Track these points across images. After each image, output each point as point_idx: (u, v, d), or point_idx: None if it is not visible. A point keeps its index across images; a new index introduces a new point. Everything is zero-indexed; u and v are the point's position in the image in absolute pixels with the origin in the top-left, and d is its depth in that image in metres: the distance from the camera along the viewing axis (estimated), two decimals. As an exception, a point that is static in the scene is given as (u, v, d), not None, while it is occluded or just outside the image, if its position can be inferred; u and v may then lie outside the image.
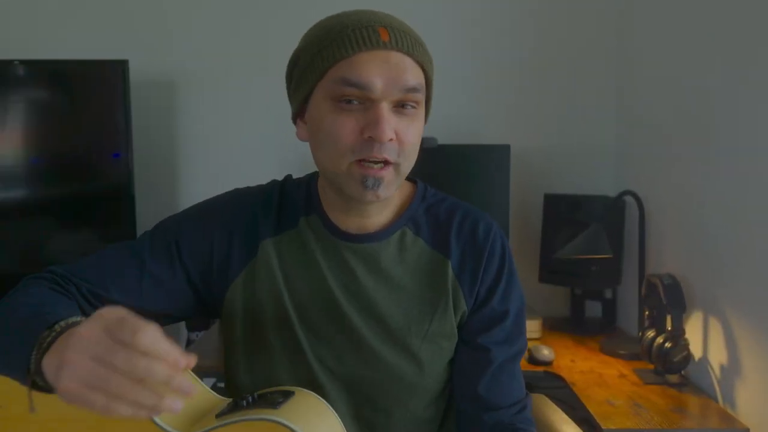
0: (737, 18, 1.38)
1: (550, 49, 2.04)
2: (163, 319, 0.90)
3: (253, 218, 0.90)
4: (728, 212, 1.41)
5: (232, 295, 0.88)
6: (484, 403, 0.89)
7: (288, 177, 0.97)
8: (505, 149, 1.88)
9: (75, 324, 0.66)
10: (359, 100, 0.78)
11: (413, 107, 0.80)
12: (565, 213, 1.89)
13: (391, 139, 0.78)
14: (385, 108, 0.77)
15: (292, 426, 0.69)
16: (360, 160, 0.78)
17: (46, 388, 0.65)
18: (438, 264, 0.89)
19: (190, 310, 0.91)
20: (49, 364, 0.62)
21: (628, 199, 1.81)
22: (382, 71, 0.77)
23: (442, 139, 1.84)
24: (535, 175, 2.05)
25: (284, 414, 0.71)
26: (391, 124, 0.77)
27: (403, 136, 0.79)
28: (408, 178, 0.96)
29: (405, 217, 0.91)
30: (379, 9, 0.84)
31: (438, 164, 1.84)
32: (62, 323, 0.67)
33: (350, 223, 0.89)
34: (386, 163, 0.79)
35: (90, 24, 2.01)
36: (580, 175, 2.05)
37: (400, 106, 0.79)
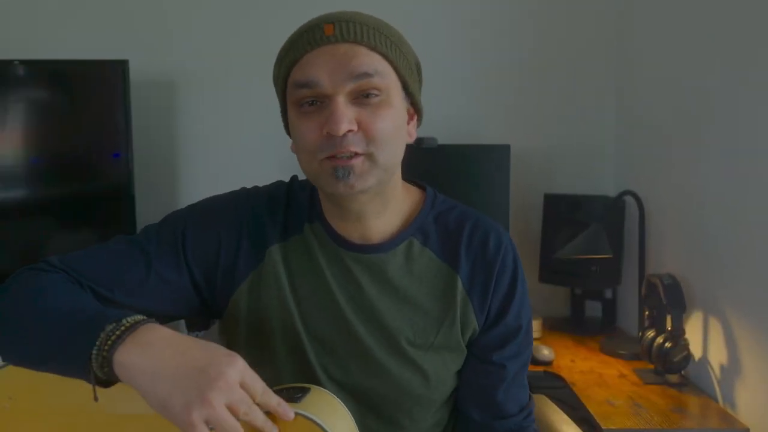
0: (737, 19, 1.38)
1: (549, 50, 2.04)
2: (164, 318, 0.89)
3: (260, 221, 0.88)
4: (728, 212, 1.41)
5: (236, 299, 0.87)
6: (496, 413, 0.89)
7: (294, 178, 0.95)
8: (505, 149, 1.87)
9: (142, 322, 0.70)
10: (317, 100, 0.77)
11: (377, 95, 0.78)
12: (565, 213, 1.89)
13: (351, 131, 0.76)
14: (341, 101, 0.76)
15: (316, 419, 0.70)
16: (329, 157, 0.77)
17: (103, 381, 0.68)
18: (447, 277, 0.88)
19: (192, 311, 0.90)
20: (125, 360, 0.66)
21: (628, 199, 1.81)
22: (327, 65, 0.76)
23: (442, 139, 1.84)
24: (535, 175, 2.04)
25: (305, 407, 0.72)
26: (347, 115, 0.76)
27: (369, 125, 0.77)
28: (417, 184, 0.94)
29: (413, 227, 0.88)
30: (377, 10, 0.83)
31: (438, 164, 1.84)
32: (129, 319, 0.69)
33: (352, 231, 0.87)
34: (355, 154, 0.77)
35: (90, 24, 2.00)
36: (580, 175, 2.05)
37: (363, 96, 0.77)
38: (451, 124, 1.98)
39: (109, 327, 0.68)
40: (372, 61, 0.78)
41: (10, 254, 1.85)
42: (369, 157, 0.78)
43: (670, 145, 1.68)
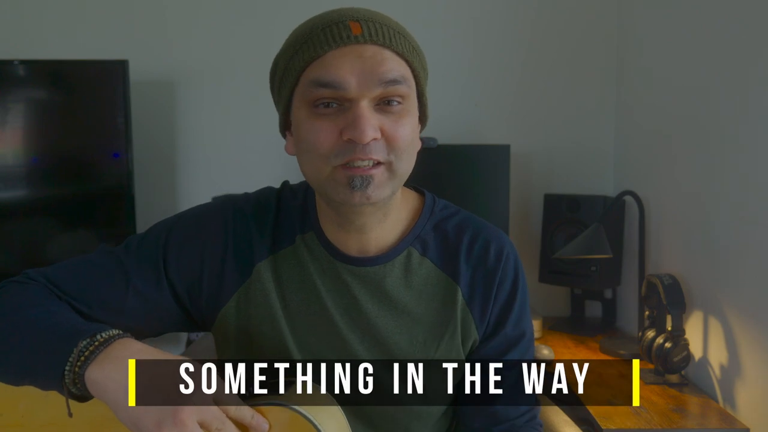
0: (737, 18, 1.38)
1: (549, 50, 2.04)
2: (150, 333, 0.86)
3: (247, 234, 0.84)
4: (728, 212, 1.40)
5: (224, 316, 0.84)
6: (498, 419, 0.86)
7: (285, 184, 0.90)
8: (505, 149, 1.88)
9: (116, 336, 0.69)
10: (336, 102, 0.72)
11: (399, 102, 0.74)
12: (565, 213, 1.89)
13: (375, 139, 0.72)
14: (365, 107, 0.71)
15: (300, 410, 0.70)
16: (344, 165, 0.72)
17: (78, 395, 0.68)
18: (447, 289, 0.84)
19: (177, 326, 0.87)
20: (97, 377, 0.66)
21: (628, 199, 1.81)
22: (355, 67, 0.71)
23: (442, 139, 1.84)
24: (535, 175, 2.05)
25: (287, 398, 0.72)
26: (372, 123, 0.71)
27: (391, 134, 0.73)
28: (416, 189, 0.90)
29: (411, 236, 0.84)
30: (377, 9, 0.79)
31: (438, 164, 1.84)
32: (104, 334, 0.69)
33: (350, 242, 0.82)
34: (376, 163, 0.73)
35: (90, 24, 2.01)
36: (580, 175, 2.05)
37: (384, 103, 0.73)
38: (451, 124, 1.98)
39: (83, 343, 0.67)
40: (399, 67, 0.74)
41: (11, 254, 1.85)
42: (389, 166, 0.74)
43: (670, 144, 1.68)
